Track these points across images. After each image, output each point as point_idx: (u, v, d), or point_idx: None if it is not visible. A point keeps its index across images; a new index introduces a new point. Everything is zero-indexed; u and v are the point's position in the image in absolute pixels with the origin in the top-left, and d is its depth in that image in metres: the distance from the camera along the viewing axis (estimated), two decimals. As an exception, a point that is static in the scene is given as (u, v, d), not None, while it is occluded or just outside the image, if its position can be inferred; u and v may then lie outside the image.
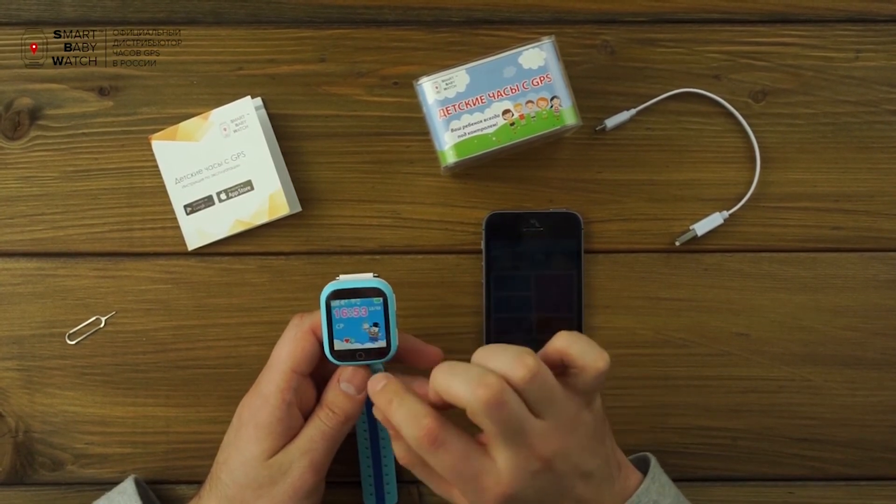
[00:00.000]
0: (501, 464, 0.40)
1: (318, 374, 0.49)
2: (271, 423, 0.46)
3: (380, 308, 0.46)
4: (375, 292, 0.46)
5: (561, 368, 0.43)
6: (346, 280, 0.46)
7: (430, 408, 0.41)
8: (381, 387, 0.43)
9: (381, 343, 0.46)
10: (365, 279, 0.46)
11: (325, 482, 0.49)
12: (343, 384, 0.47)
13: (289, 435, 0.47)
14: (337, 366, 0.48)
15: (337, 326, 0.46)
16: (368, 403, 0.50)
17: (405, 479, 0.55)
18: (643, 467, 0.48)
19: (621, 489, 0.45)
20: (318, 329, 0.47)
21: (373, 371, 0.49)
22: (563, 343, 0.42)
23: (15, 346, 0.55)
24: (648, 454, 0.49)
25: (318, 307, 0.47)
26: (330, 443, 0.47)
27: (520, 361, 0.40)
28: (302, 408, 0.48)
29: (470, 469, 0.40)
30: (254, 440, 0.46)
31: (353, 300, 0.46)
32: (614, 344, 0.55)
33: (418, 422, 0.40)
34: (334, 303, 0.46)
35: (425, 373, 0.50)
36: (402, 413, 0.41)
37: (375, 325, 0.46)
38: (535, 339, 0.54)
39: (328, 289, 0.46)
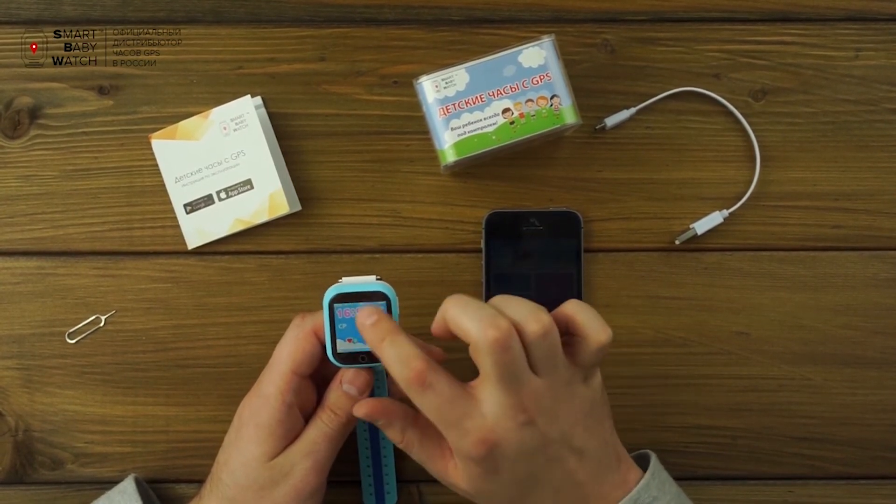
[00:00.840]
0: (487, 408, 0.41)
1: (318, 375, 0.49)
2: (272, 424, 0.46)
3: (383, 311, 0.46)
4: (379, 296, 0.46)
5: (565, 335, 0.43)
6: (349, 283, 0.46)
7: (420, 350, 0.42)
8: (372, 322, 0.43)
9: None
10: (368, 282, 0.46)
11: (326, 482, 0.49)
12: (345, 385, 0.47)
13: (290, 436, 0.47)
14: (339, 368, 0.48)
15: (339, 328, 0.46)
16: None
17: (405, 478, 0.55)
18: (643, 464, 0.48)
19: (621, 482, 0.45)
20: (319, 330, 0.47)
21: (375, 372, 0.49)
22: (572, 309, 0.44)
23: (15, 345, 0.55)
24: (649, 451, 0.49)
25: (319, 306, 0.47)
26: (332, 444, 0.47)
27: (535, 316, 0.41)
28: (302, 409, 0.48)
29: (455, 411, 0.41)
30: (254, 441, 0.46)
31: (356, 303, 0.45)
32: (614, 343, 0.55)
33: (408, 363, 0.41)
34: (337, 305, 0.46)
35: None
36: (392, 352, 0.42)
37: None
38: (534, 338, 0.54)
39: (331, 292, 0.46)
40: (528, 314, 0.41)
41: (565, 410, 0.42)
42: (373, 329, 0.43)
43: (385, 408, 0.45)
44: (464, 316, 0.41)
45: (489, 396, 0.41)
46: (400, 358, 0.41)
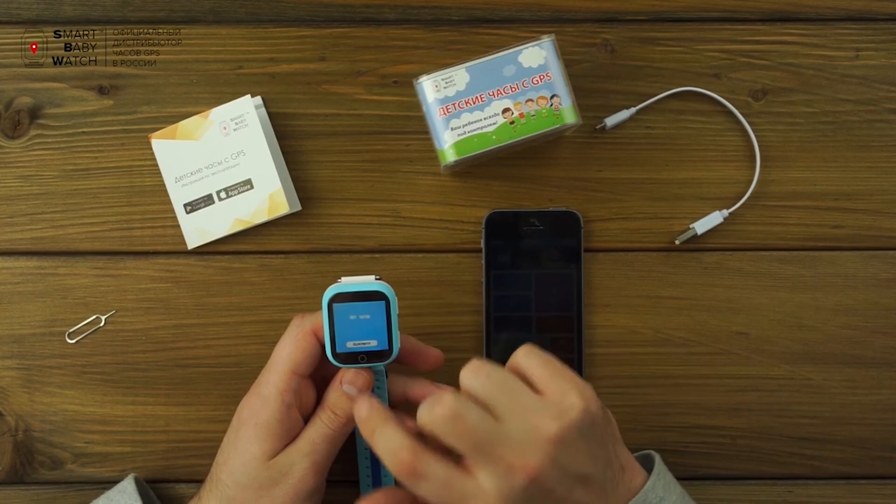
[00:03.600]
0: (485, 484, 0.40)
1: (317, 375, 0.49)
2: (271, 424, 0.46)
3: (382, 311, 0.46)
4: (378, 295, 0.46)
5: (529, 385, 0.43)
6: (349, 283, 0.46)
7: (409, 438, 0.41)
8: (365, 415, 0.43)
9: (384, 345, 0.46)
10: (367, 282, 0.46)
11: (325, 482, 0.49)
12: (345, 386, 0.47)
13: (289, 436, 0.47)
14: (338, 368, 0.48)
15: (339, 328, 0.46)
16: None
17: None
18: (647, 465, 0.48)
19: (625, 490, 0.44)
20: (319, 330, 0.47)
21: (375, 373, 0.49)
22: (512, 360, 0.44)
23: (15, 345, 0.55)
24: (652, 452, 0.49)
25: (319, 306, 0.47)
26: (331, 444, 0.47)
27: (473, 369, 0.42)
28: (302, 409, 0.48)
29: (454, 495, 0.40)
30: (254, 441, 0.46)
31: (355, 303, 0.45)
32: (614, 343, 0.56)
33: (396, 455, 0.41)
34: (337, 305, 0.46)
35: (426, 374, 0.50)
36: (381, 445, 0.42)
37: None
38: (535, 338, 0.54)
39: (330, 291, 0.46)
40: (469, 373, 0.42)
41: (560, 450, 0.41)
42: (364, 423, 0.43)
43: (390, 500, 0.45)
44: (419, 410, 0.41)
45: (479, 473, 0.40)
46: (389, 450, 0.41)
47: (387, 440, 0.42)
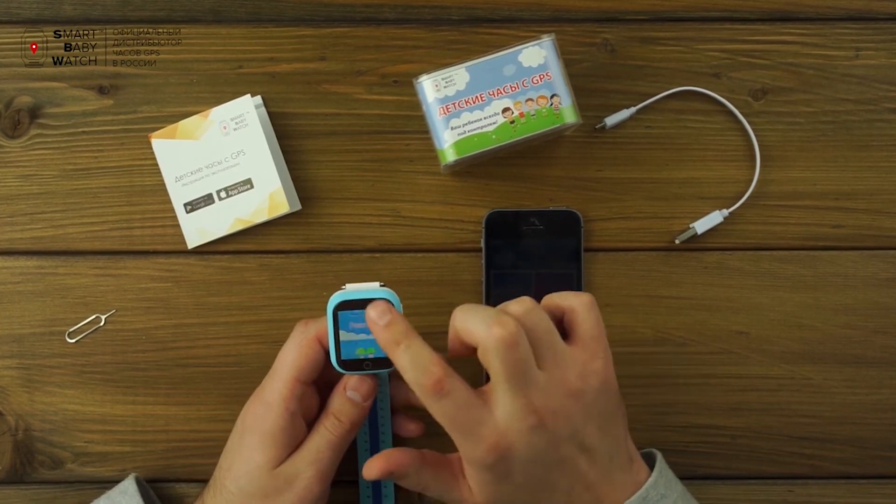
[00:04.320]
0: (499, 413, 0.41)
1: (320, 380, 0.49)
2: (275, 431, 0.46)
3: (396, 309, 0.46)
4: None
5: (560, 326, 0.44)
6: (353, 290, 0.46)
7: (436, 354, 0.41)
8: (386, 322, 0.42)
9: None
10: (372, 289, 0.46)
11: (329, 488, 0.49)
12: (349, 392, 0.47)
13: (293, 443, 0.47)
14: (342, 374, 0.48)
15: (343, 335, 0.46)
16: (372, 409, 0.50)
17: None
18: (648, 463, 0.48)
19: (630, 482, 0.45)
20: (323, 337, 0.47)
21: (379, 379, 0.48)
22: (547, 297, 0.45)
23: (15, 345, 0.55)
24: (654, 450, 0.49)
25: (319, 307, 0.47)
26: (336, 451, 0.47)
27: (527, 307, 0.42)
28: (305, 416, 0.48)
29: (469, 418, 0.41)
30: (258, 449, 0.46)
31: (360, 310, 0.45)
32: (614, 342, 0.55)
33: (426, 369, 0.41)
34: (341, 313, 0.45)
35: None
36: (408, 358, 0.41)
37: None
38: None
39: (335, 299, 0.45)
40: (525, 308, 0.42)
41: (574, 407, 0.42)
42: (387, 330, 0.42)
43: (396, 461, 0.44)
44: (471, 320, 0.41)
45: (500, 399, 0.41)
46: (416, 364, 0.41)
47: (415, 354, 0.41)
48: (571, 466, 0.42)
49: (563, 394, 0.42)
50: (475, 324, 0.41)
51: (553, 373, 0.42)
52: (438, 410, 0.41)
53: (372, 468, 0.44)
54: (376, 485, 0.53)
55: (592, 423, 0.43)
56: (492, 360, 0.40)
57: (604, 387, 0.43)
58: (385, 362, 0.46)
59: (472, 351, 0.43)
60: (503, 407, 0.41)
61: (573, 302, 0.44)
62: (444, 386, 0.40)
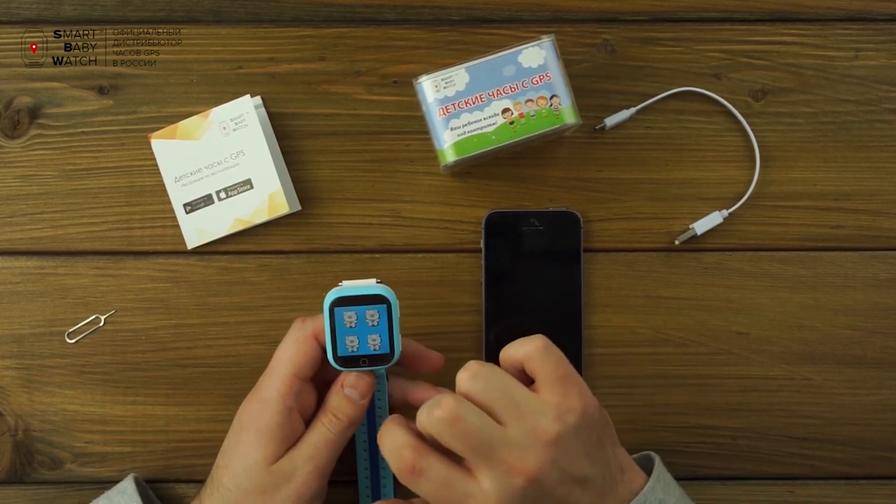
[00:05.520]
0: (486, 485, 0.40)
1: (318, 377, 0.49)
2: (272, 428, 0.46)
3: (383, 314, 0.46)
4: (379, 299, 0.46)
5: (525, 379, 0.44)
6: (350, 286, 0.46)
7: (412, 437, 0.42)
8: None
9: (385, 349, 0.46)
10: (368, 285, 0.46)
11: (327, 485, 0.49)
12: (347, 389, 0.47)
13: (290, 440, 0.47)
14: (340, 371, 0.48)
15: (340, 332, 0.46)
16: (370, 407, 0.50)
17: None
18: (646, 466, 0.48)
19: (625, 492, 0.44)
20: (320, 334, 0.47)
21: (376, 376, 0.48)
22: (503, 351, 0.45)
23: (14, 345, 0.55)
24: (652, 453, 0.49)
25: (318, 307, 0.47)
26: (333, 448, 0.47)
27: (472, 372, 0.42)
28: (303, 412, 0.48)
29: (454, 495, 0.41)
30: (256, 445, 0.46)
31: (356, 307, 0.45)
32: (614, 343, 0.55)
33: (398, 453, 0.41)
34: (338, 309, 0.45)
35: (427, 377, 0.50)
36: (385, 444, 0.42)
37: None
38: (534, 338, 0.54)
39: (331, 295, 0.46)
40: (467, 375, 0.42)
41: (558, 451, 0.41)
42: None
43: None
44: (418, 414, 0.42)
45: (480, 474, 0.41)
46: (391, 449, 0.42)
47: (390, 438, 0.42)
48: (567, 501, 0.42)
49: (541, 444, 0.41)
50: (420, 418, 0.41)
51: (523, 426, 0.41)
52: (421, 493, 0.41)
53: None
54: (375, 485, 0.53)
55: (579, 457, 0.42)
56: (448, 442, 0.40)
57: (583, 419, 0.42)
58: (381, 359, 0.46)
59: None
60: (486, 477, 0.40)
61: (527, 349, 0.43)
62: (416, 466, 0.41)
